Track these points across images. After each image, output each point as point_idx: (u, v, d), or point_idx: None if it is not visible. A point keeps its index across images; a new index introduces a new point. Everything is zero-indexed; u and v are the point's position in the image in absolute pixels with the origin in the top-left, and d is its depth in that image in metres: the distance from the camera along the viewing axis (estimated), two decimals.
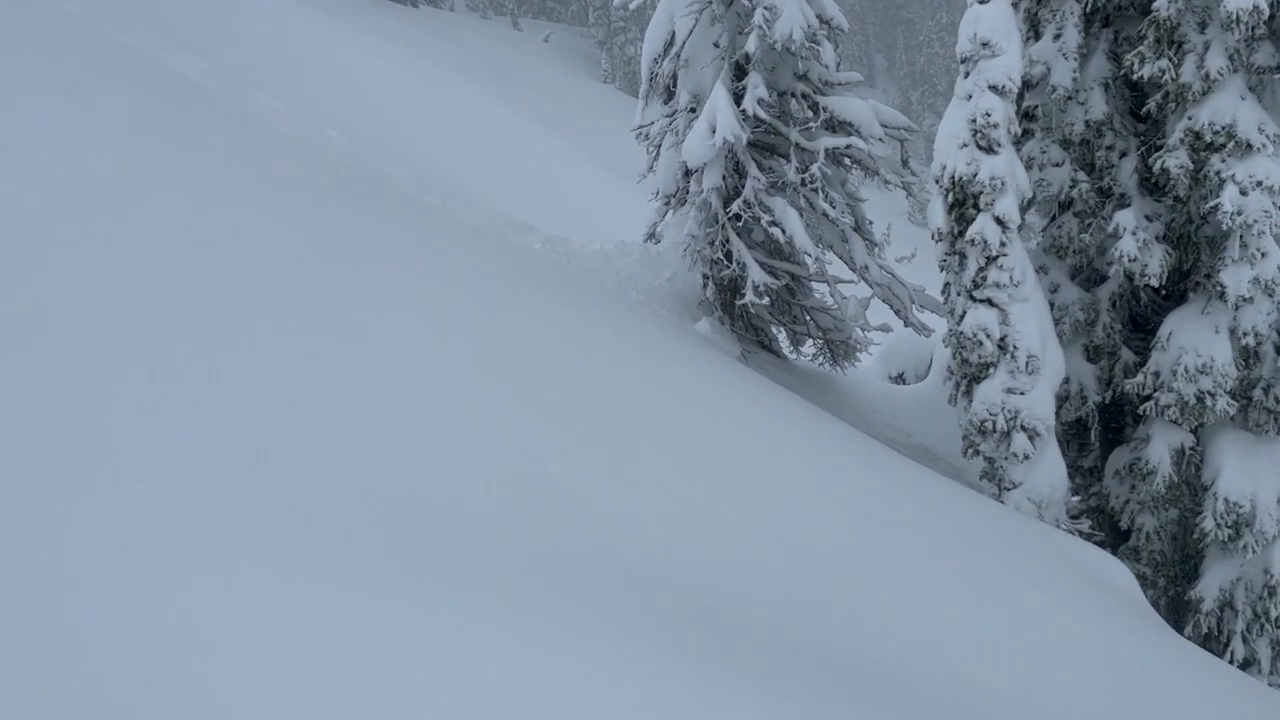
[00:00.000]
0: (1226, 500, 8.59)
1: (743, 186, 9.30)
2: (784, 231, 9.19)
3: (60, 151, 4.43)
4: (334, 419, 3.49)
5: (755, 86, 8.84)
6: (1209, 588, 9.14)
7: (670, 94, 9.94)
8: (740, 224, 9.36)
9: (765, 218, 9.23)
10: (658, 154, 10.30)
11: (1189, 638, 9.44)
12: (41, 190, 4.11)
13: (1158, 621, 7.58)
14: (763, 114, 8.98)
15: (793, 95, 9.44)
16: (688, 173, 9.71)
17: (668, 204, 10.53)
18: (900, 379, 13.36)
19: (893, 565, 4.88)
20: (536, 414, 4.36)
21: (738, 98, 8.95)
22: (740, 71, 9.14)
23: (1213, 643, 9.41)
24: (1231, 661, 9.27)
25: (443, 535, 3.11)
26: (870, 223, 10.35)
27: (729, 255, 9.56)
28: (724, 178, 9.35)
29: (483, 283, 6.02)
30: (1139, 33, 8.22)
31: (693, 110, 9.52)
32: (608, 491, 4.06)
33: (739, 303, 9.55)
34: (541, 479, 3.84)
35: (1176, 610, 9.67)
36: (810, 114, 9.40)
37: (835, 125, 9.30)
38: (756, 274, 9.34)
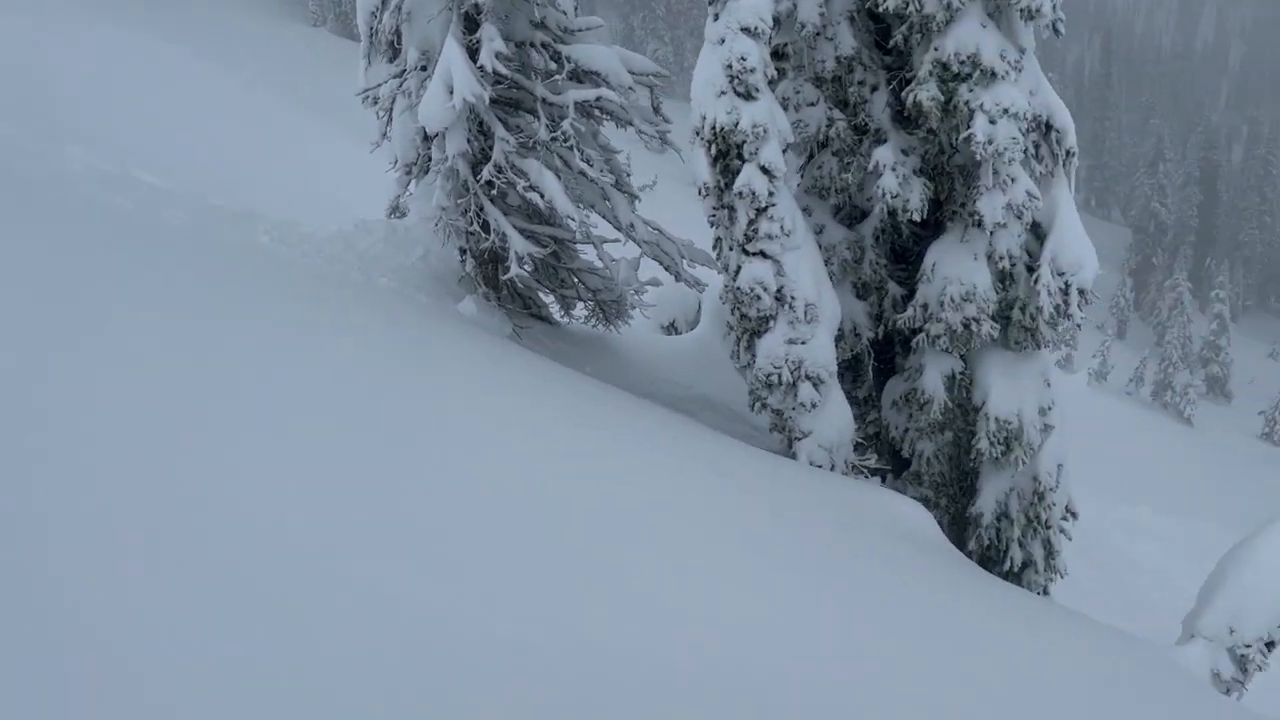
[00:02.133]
0: (997, 419, 8.88)
1: (491, 150, 8.49)
2: (542, 195, 8.51)
3: None
4: None
5: (491, 39, 8.00)
6: (987, 502, 9.51)
7: (395, 51, 8.90)
8: (494, 191, 8.58)
9: (520, 182, 8.50)
10: (390, 119, 9.26)
11: (972, 551, 9.89)
12: None
13: (952, 555, 7.72)
14: (503, 69, 8.17)
15: (532, 46, 8.68)
16: (428, 138, 8.77)
17: (409, 174, 9.55)
18: (672, 328, 13.11)
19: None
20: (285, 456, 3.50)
21: (473, 52, 8.08)
22: (472, 23, 8.25)
23: (993, 551, 9.88)
24: (1010, 566, 9.76)
25: None
26: (629, 176, 9.85)
27: (486, 226, 8.77)
28: (469, 141, 8.50)
29: (185, 303, 4.96)
30: None
31: (424, 69, 8.56)
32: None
33: (504, 276, 8.81)
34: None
35: (959, 526, 10.05)
36: (554, 65, 8.69)
37: (581, 76, 8.65)
38: (518, 243, 8.61)
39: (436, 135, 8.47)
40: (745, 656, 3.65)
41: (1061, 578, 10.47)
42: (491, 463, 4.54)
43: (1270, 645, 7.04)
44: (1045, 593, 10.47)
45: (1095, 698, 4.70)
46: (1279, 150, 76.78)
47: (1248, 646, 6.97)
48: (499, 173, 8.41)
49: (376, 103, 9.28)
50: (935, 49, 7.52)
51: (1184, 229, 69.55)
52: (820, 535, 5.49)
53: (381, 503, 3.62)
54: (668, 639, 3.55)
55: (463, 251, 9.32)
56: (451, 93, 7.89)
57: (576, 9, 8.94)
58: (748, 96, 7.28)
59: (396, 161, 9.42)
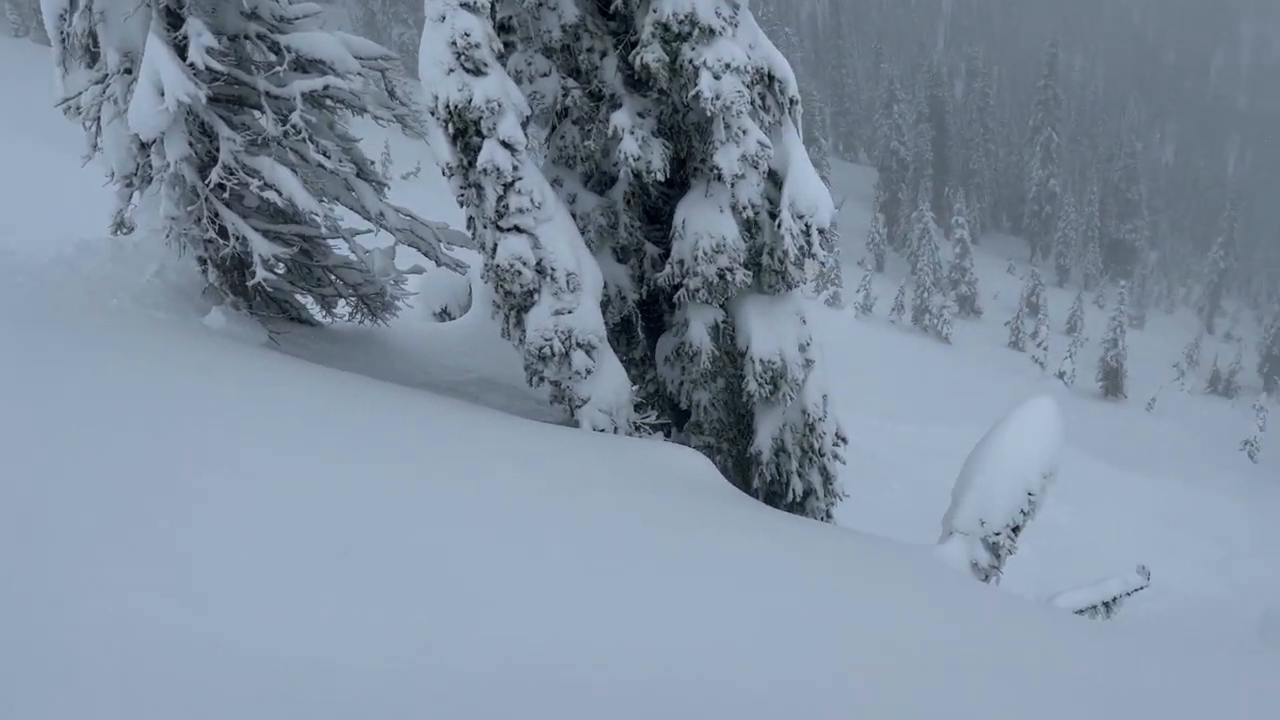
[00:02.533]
0: (761, 361, 9.32)
1: (218, 151, 8.02)
2: (280, 193, 8.14)
3: None
4: None
5: (199, 34, 7.53)
6: (764, 440, 9.99)
7: (94, 55, 8.20)
8: (227, 193, 8.11)
9: (254, 181, 8.08)
10: (99, 129, 8.55)
11: (757, 488, 10.37)
12: None
13: (732, 495, 8.06)
14: (217, 64, 7.71)
15: (247, 38, 8.22)
16: (145, 145, 8.16)
17: (130, 185, 8.87)
18: (445, 314, 12.92)
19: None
20: None
21: (181, 50, 7.58)
22: (175, 19, 7.72)
23: (777, 485, 10.41)
24: (793, 497, 10.33)
25: None
26: (373, 163, 9.56)
27: (224, 231, 8.29)
28: (191, 144, 7.99)
29: None
30: None
31: (128, 71, 7.95)
32: None
33: (250, 282, 8.36)
34: None
35: (743, 467, 10.51)
36: (274, 56, 8.28)
37: (305, 65, 8.29)
38: (262, 246, 8.21)
39: (153, 141, 7.90)
40: (531, 634, 3.69)
41: (841, 500, 11.19)
42: (244, 475, 4.33)
43: (1016, 530, 7.82)
44: (828, 517, 11.15)
45: (868, 598, 5.05)
46: (993, 83, 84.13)
47: (997, 535, 7.71)
48: (229, 174, 7.96)
49: (80, 112, 8.55)
50: (654, 10, 7.70)
51: (922, 163, 74.98)
52: (597, 499, 5.60)
53: (143, 532, 3.39)
54: (462, 624, 3.54)
55: (203, 261, 8.78)
56: (163, 94, 7.38)
57: None
58: (477, 72, 7.21)
59: (113, 174, 8.73)
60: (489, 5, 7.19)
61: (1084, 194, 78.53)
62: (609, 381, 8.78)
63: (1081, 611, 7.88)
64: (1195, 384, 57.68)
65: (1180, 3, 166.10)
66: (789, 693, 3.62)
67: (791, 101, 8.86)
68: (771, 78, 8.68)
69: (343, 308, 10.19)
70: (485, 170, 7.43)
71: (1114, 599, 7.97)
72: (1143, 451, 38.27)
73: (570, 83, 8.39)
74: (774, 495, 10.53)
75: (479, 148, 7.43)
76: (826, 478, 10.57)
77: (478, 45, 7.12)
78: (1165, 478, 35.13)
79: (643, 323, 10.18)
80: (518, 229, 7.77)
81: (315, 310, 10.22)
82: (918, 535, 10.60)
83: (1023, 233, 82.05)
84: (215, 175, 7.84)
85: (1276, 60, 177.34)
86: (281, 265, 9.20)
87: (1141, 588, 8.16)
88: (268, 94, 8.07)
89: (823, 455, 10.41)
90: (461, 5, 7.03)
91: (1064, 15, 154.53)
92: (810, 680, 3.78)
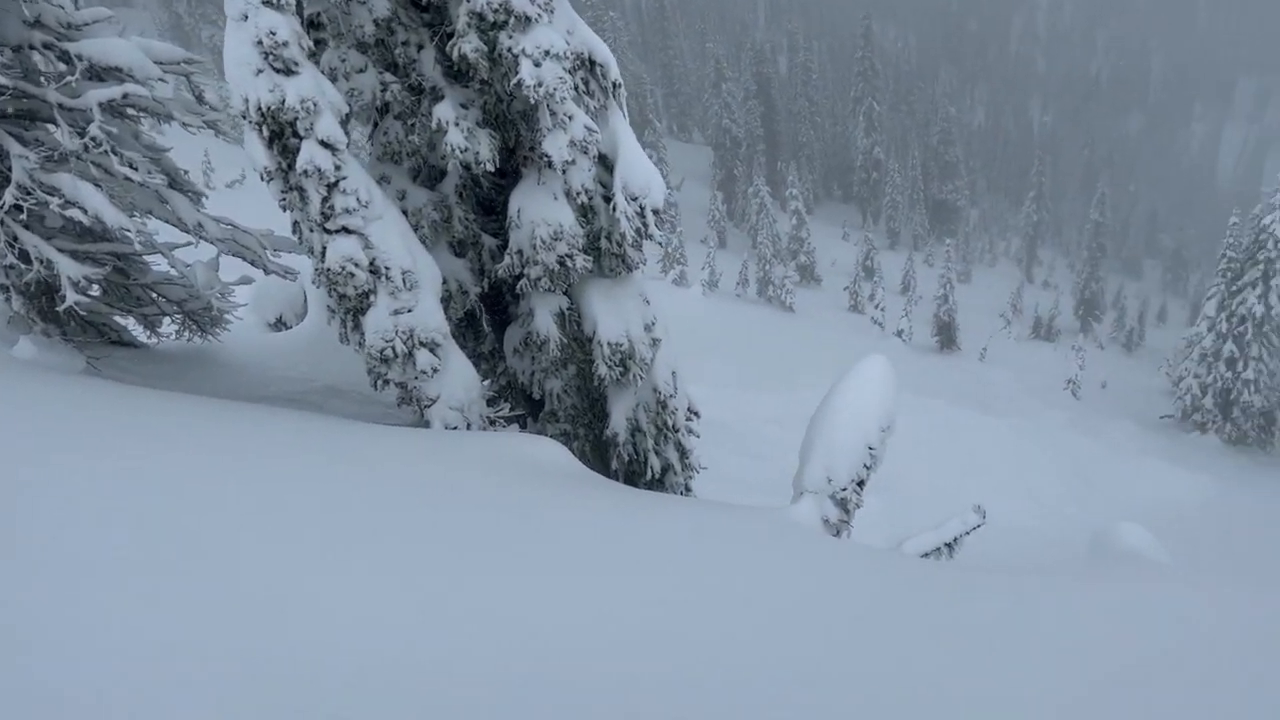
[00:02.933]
0: (609, 344, 9.40)
1: (10, 170, 7.47)
2: (85, 210, 7.66)
3: None
4: None
5: None
6: (619, 422, 10.09)
7: None
8: (24, 215, 7.58)
9: (54, 200, 7.57)
10: None
11: (617, 470, 10.48)
12: None
13: (588, 478, 8.11)
14: (1, 78, 7.19)
15: (33, 48, 7.68)
16: None
17: None
18: (281, 324, 12.46)
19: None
20: None
21: None
22: None
23: (635, 465, 10.55)
24: (652, 475, 10.49)
25: None
26: (187, 173, 9.11)
27: (25, 256, 7.77)
28: None
29: None
30: None
31: None
32: None
33: (60, 307, 7.85)
34: None
35: (600, 451, 10.60)
36: (64, 66, 7.77)
37: (100, 73, 7.82)
38: (69, 268, 7.72)
39: None
40: (387, 640, 3.63)
41: (699, 473, 11.43)
42: (52, 505, 4.09)
43: (861, 484, 8.19)
44: (688, 490, 11.38)
45: (719, 564, 5.19)
46: (814, 57, 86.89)
47: (844, 490, 8.06)
48: (25, 194, 7.44)
49: None
50: (468, 1, 7.61)
51: (754, 139, 76.84)
52: (449, 497, 5.54)
53: None
54: (327, 631, 3.45)
55: (4, 289, 8.18)
56: None
57: (76, 2, 8.03)
58: (288, 72, 6.96)
59: None
60: (294, 2, 6.94)
61: (906, 159, 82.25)
62: (457, 378, 8.68)
63: (927, 554, 8.34)
64: (1020, 331, 61.51)
65: None
66: (639, 656, 3.71)
67: (615, 85, 8.93)
68: (593, 62, 8.72)
69: (169, 326, 9.71)
70: (306, 172, 7.20)
71: (955, 539, 8.47)
72: (978, 399, 40.55)
73: (388, 77, 8.20)
74: (634, 475, 10.66)
75: (297, 149, 7.19)
76: (683, 452, 10.77)
77: (286, 44, 6.87)
78: (1005, 419, 37.36)
79: (487, 316, 10.10)
80: (346, 230, 7.56)
81: (139, 331, 9.69)
82: (775, 499, 10.95)
83: (853, 200, 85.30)
84: (9, 196, 7.31)
85: (1068, 24, 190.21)
86: (95, 287, 8.69)
87: (979, 525, 8.69)
88: (61, 106, 7.58)
89: (677, 431, 10.60)
90: (264, 3, 6.77)
91: None
92: (661, 644, 3.87)
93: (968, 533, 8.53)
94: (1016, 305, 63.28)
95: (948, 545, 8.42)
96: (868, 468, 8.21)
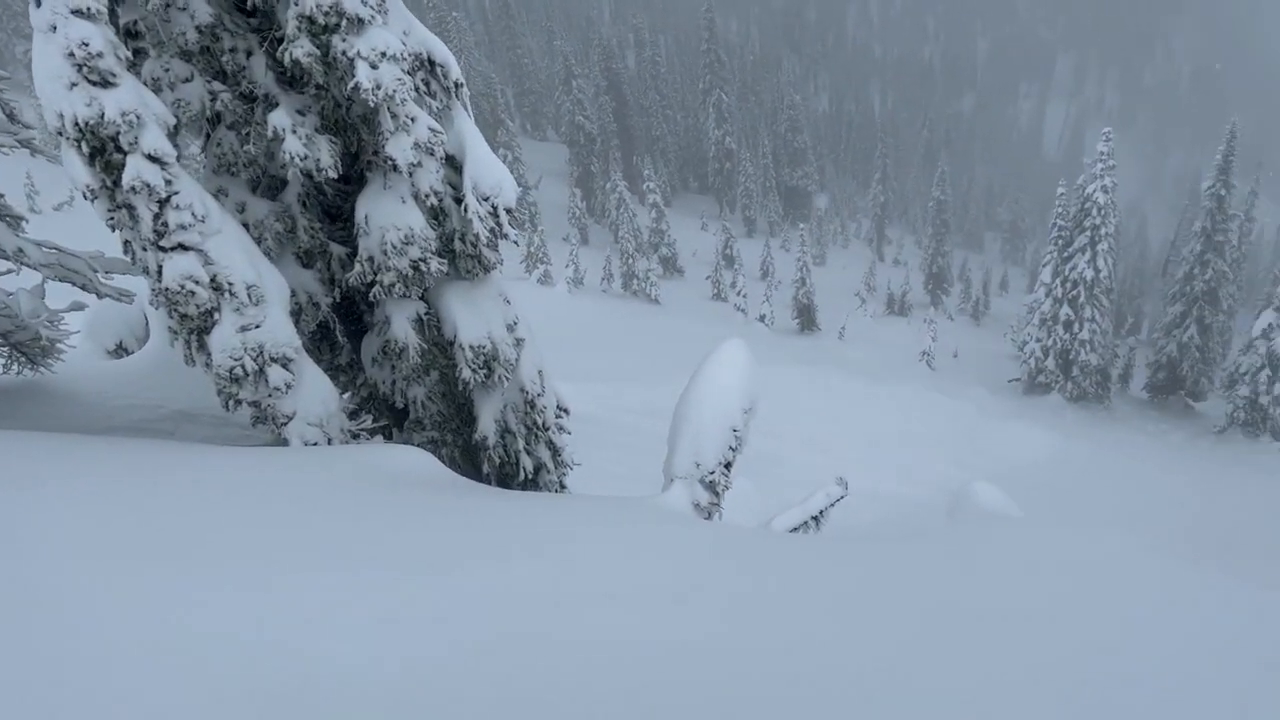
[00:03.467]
0: (471, 347, 9.30)
1: None
2: None
3: None
4: None
5: None
6: (487, 425, 10.00)
7: None
8: None
9: None
10: None
11: (489, 473, 10.40)
12: None
13: (456, 483, 8.01)
14: None
15: None
16: None
17: None
18: (121, 349, 11.83)
19: None
20: None
21: None
22: None
23: (508, 467, 10.47)
24: (525, 475, 10.45)
25: None
26: (2, 196, 8.54)
27: None
28: None
29: None
30: None
31: None
32: None
33: None
34: None
35: (471, 455, 10.48)
36: None
37: None
38: None
39: None
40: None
41: (573, 469, 11.45)
42: None
43: (728, 466, 8.37)
44: (562, 488, 11.39)
45: (584, 555, 5.21)
46: (661, 51, 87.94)
47: (712, 474, 8.22)
48: None
49: None
50: (296, 4, 7.37)
51: (608, 135, 77.26)
52: (302, 513, 5.38)
53: None
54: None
55: None
56: None
57: None
58: (105, 84, 6.59)
59: None
60: (107, 10, 6.58)
61: (757, 148, 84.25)
62: (314, 393, 8.42)
63: (795, 529, 8.59)
64: (875, 309, 63.92)
65: None
66: (495, 655, 3.71)
67: (457, 85, 8.83)
68: (433, 63, 8.60)
69: None
70: (134, 188, 6.84)
71: (821, 512, 8.76)
72: (841, 375, 41.91)
73: (217, 86, 7.88)
74: (507, 477, 10.59)
75: (122, 165, 6.83)
76: (554, 450, 10.76)
77: (100, 54, 6.51)
78: (867, 388, 38.75)
79: (342, 327, 9.84)
80: (183, 246, 7.23)
81: None
82: (651, 488, 11.07)
83: (709, 190, 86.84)
84: None
85: (899, 11, 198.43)
86: None
87: (843, 497, 9.01)
88: None
89: (547, 429, 10.58)
90: (74, 12, 6.39)
91: None
92: (516, 644, 3.88)
93: (832, 505, 8.83)
94: (870, 284, 65.71)
95: (814, 519, 8.70)
96: (733, 449, 8.40)
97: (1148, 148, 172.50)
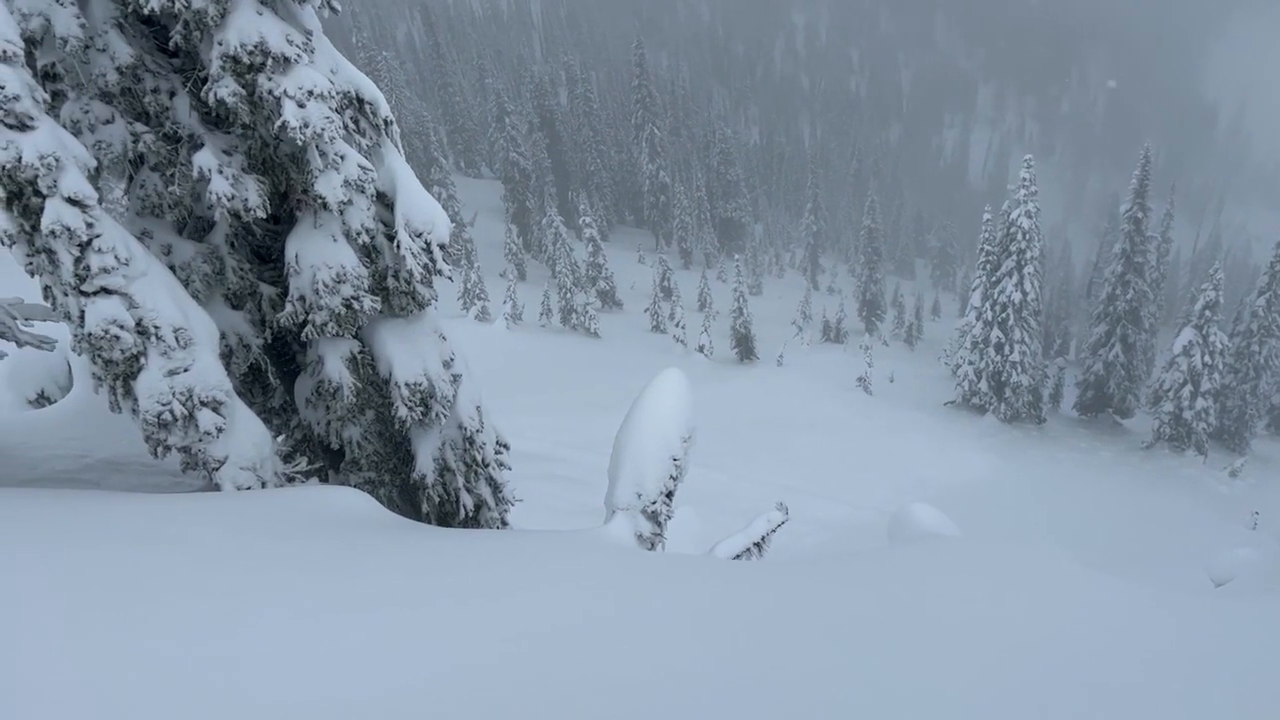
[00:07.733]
0: (407, 385, 9.22)
1: None
2: None
3: None
4: None
5: None
6: (426, 463, 9.89)
7: None
8: None
9: None
10: None
11: (428, 512, 10.27)
12: None
13: (391, 522, 7.88)
14: None
15: None
16: None
17: None
18: (43, 399, 11.49)
19: None
20: None
21: None
22: None
23: (447, 505, 10.36)
24: (465, 513, 10.34)
25: None
26: None
27: None
28: None
29: None
30: None
31: None
32: None
33: None
34: None
35: (409, 494, 10.34)
36: None
37: None
38: None
39: None
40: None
41: (514, 505, 11.36)
42: None
43: (670, 495, 8.38)
44: (504, 524, 11.28)
45: (515, 592, 5.17)
46: (593, 86, 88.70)
47: (654, 503, 8.22)
48: None
49: None
50: (220, 44, 7.32)
51: (542, 170, 77.54)
52: (237, 560, 5.26)
53: None
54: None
55: None
56: None
57: None
58: (22, 127, 6.46)
59: None
60: (22, 53, 6.46)
61: (691, 181, 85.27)
62: (246, 436, 8.26)
63: (738, 555, 8.62)
64: (812, 336, 64.78)
65: None
66: (409, 695, 3.66)
67: (386, 122, 8.81)
68: (361, 100, 8.57)
69: None
70: (54, 232, 6.69)
71: (763, 538, 8.80)
72: (778, 405, 42.32)
73: (139, 127, 7.75)
74: (447, 515, 10.47)
75: (41, 208, 6.68)
76: (495, 487, 10.68)
77: (17, 97, 6.37)
78: (809, 416, 39.16)
79: (274, 368, 9.68)
80: (106, 290, 7.07)
81: None
82: (594, 522, 11.03)
83: (645, 224, 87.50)
84: None
85: (824, 44, 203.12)
86: None
87: (784, 522, 9.07)
88: None
89: (487, 466, 10.50)
90: None
91: (644, 17, 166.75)
92: (464, 679, 3.83)
93: (773, 530, 8.88)
94: (806, 312, 66.60)
95: (756, 545, 8.73)
96: (674, 478, 8.42)
97: (1067, 174, 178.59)
